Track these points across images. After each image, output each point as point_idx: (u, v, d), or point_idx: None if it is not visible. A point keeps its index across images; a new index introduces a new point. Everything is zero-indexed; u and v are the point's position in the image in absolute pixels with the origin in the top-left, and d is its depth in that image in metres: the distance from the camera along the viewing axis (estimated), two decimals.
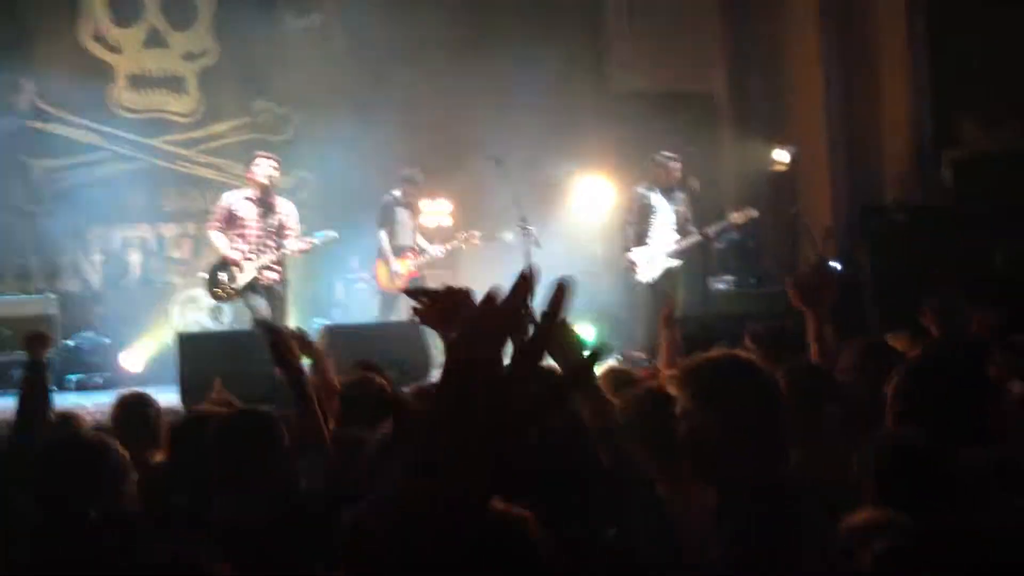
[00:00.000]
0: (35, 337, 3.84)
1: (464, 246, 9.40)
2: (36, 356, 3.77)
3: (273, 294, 7.74)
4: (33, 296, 9.35)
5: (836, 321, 3.82)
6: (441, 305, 2.25)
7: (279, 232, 7.74)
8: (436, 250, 9.16)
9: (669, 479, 2.66)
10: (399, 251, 9.05)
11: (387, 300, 9.16)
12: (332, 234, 8.03)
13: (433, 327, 2.35)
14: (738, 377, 2.32)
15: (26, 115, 9.94)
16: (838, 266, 9.13)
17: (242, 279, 7.63)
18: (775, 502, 2.18)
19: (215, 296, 7.90)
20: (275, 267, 7.74)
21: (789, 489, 2.26)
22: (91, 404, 7.22)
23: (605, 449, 2.49)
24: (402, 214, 9.15)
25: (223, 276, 7.72)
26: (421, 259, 9.10)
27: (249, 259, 7.66)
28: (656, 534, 2.43)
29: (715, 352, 2.44)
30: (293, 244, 7.72)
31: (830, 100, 10.83)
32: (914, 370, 2.82)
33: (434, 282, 10.33)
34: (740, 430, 2.26)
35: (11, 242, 9.86)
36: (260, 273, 7.67)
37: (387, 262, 9.03)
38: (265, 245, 7.70)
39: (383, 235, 8.99)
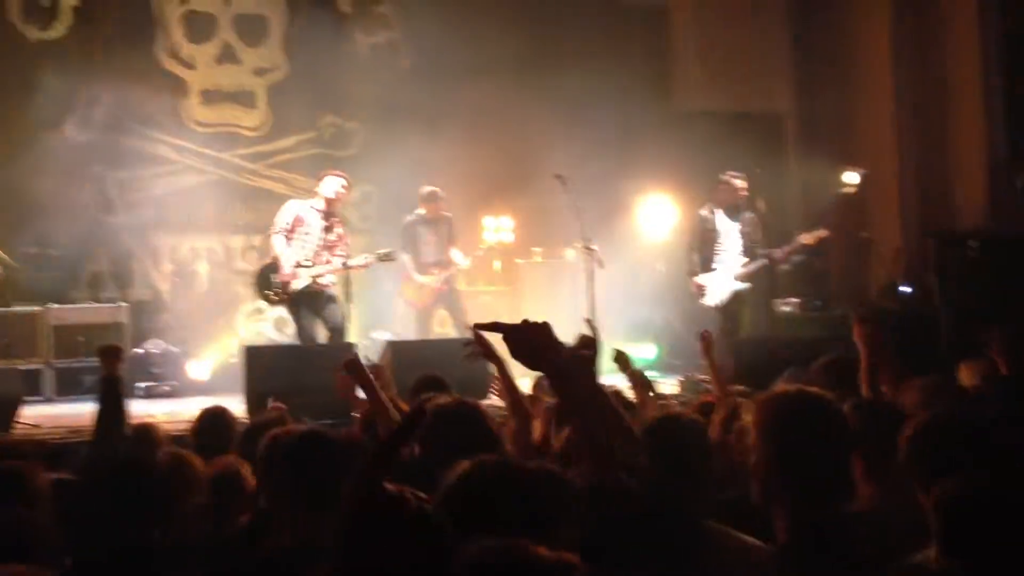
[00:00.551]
0: (109, 351, 3.90)
1: (487, 255, 9.51)
2: (111, 370, 3.83)
3: (327, 297, 7.84)
4: (105, 304, 9.59)
5: (907, 350, 3.76)
6: (520, 338, 2.21)
7: (333, 248, 7.86)
8: (463, 262, 9.22)
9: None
10: (424, 268, 9.17)
11: (421, 316, 9.27)
12: (390, 253, 8.09)
13: (515, 358, 2.28)
14: (806, 413, 2.31)
15: (103, 127, 10.22)
16: (908, 289, 8.97)
17: (297, 284, 7.72)
18: (835, 539, 2.16)
19: (265, 299, 7.98)
20: (327, 279, 7.86)
21: (850, 527, 2.23)
22: (159, 412, 7.38)
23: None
24: (424, 232, 9.24)
25: (275, 279, 7.81)
26: (447, 272, 9.17)
27: (304, 266, 7.75)
28: (721, 566, 2.41)
29: (787, 387, 2.43)
30: (343, 261, 7.80)
31: (900, 120, 10.66)
32: (920, 434, 2.74)
33: (493, 299, 10.41)
34: (802, 466, 2.25)
35: (85, 251, 10.13)
36: (314, 280, 7.78)
37: (411, 279, 9.16)
38: (320, 257, 7.81)
39: (404, 257, 9.12)
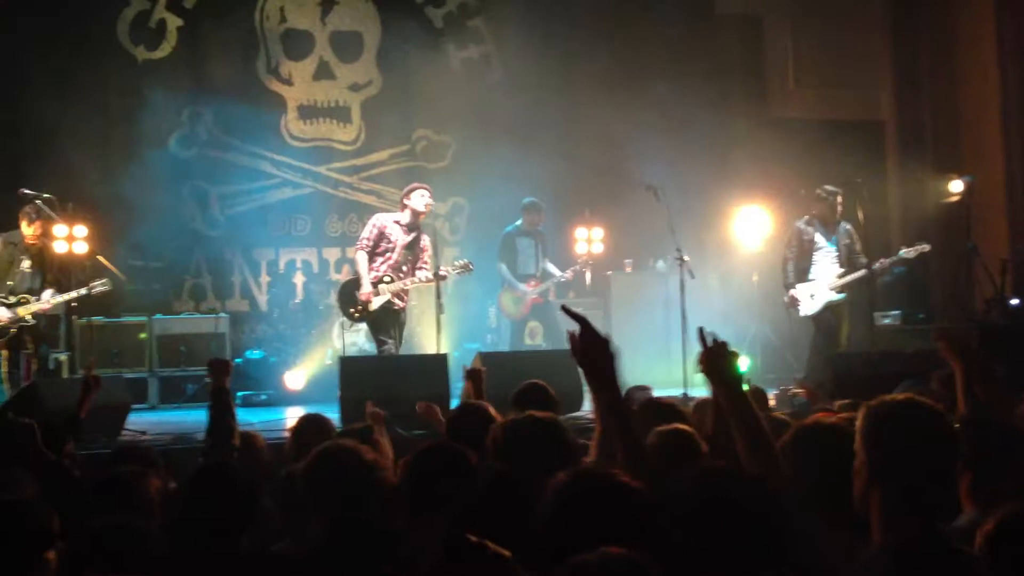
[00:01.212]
0: (219, 364, 3.98)
1: (584, 270, 9.49)
2: (220, 383, 3.90)
3: (399, 320, 7.89)
4: (206, 315, 9.87)
5: (1019, 364, 3.62)
6: (589, 339, 2.50)
7: (415, 262, 7.85)
8: (560, 274, 9.20)
9: (831, 523, 2.56)
10: (521, 280, 9.19)
11: (516, 328, 9.30)
12: (468, 264, 8.07)
13: (574, 354, 2.48)
14: (913, 421, 2.24)
15: (205, 143, 10.55)
16: (1016, 302, 8.62)
17: (377, 301, 7.77)
18: (926, 558, 2.08)
19: (348, 316, 8.05)
20: (404, 294, 7.87)
21: (945, 545, 2.14)
22: (257, 420, 7.54)
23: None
24: (523, 243, 9.26)
25: (358, 295, 7.84)
26: (545, 285, 9.16)
27: (386, 282, 7.77)
28: None
29: (896, 395, 2.36)
30: (424, 275, 7.80)
31: (1008, 125, 10.28)
32: None
33: (584, 311, 10.32)
34: (904, 475, 2.19)
35: (187, 263, 10.46)
36: (394, 297, 7.79)
37: (511, 290, 9.18)
38: (403, 271, 7.82)
39: (502, 267, 9.15)
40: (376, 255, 7.82)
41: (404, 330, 7.95)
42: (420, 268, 7.85)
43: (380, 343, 7.84)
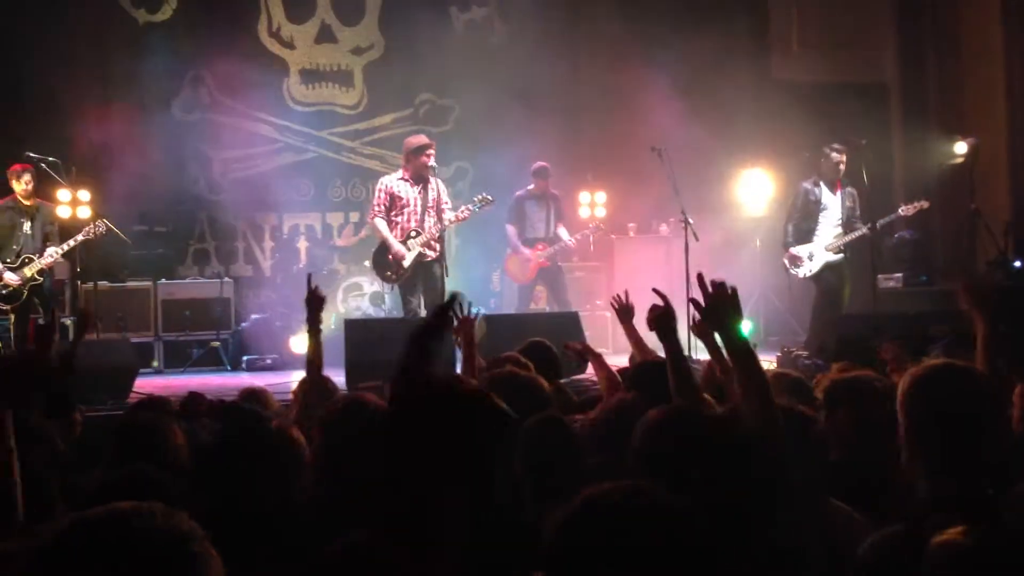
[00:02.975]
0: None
1: (593, 236, 9.51)
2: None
3: (432, 273, 7.90)
4: (211, 279, 9.90)
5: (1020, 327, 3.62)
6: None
7: (436, 207, 7.89)
8: (568, 239, 9.23)
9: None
10: (530, 244, 9.22)
11: (523, 292, 9.33)
12: (486, 197, 8.07)
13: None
14: (955, 385, 2.27)
15: (207, 108, 10.52)
16: (1019, 264, 8.63)
17: (409, 257, 7.82)
18: (974, 516, 2.09)
19: (385, 279, 8.10)
20: (435, 243, 7.90)
21: (993, 505, 2.15)
22: (263, 384, 7.58)
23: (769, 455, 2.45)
24: (531, 207, 9.27)
25: (389, 258, 7.91)
26: (551, 249, 9.18)
27: (412, 237, 7.83)
28: (815, 545, 2.36)
29: (935, 360, 2.39)
30: (450, 215, 7.87)
31: (1012, 88, 10.22)
32: None
33: (587, 275, 10.39)
34: (946, 440, 2.21)
35: (192, 228, 10.48)
36: (424, 248, 7.84)
37: (517, 254, 9.20)
38: (425, 223, 7.86)
39: (511, 229, 9.18)
40: (394, 216, 7.87)
41: (443, 282, 7.93)
42: (443, 211, 7.90)
43: (406, 302, 7.92)
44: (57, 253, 7.82)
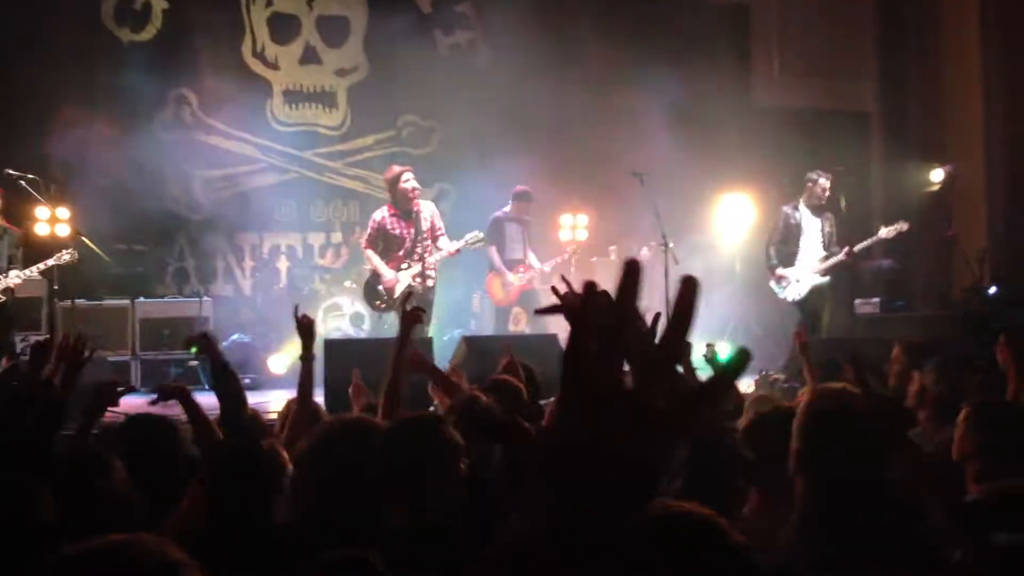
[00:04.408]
0: (199, 339, 3.77)
1: (571, 260, 9.54)
2: (215, 357, 3.63)
3: (424, 302, 7.91)
4: (190, 298, 9.85)
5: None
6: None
7: (431, 234, 7.94)
8: (542, 266, 9.26)
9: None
10: (510, 265, 9.23)
11: (500, 313, 9.34)
12: (477, 235, 8.15)
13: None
14: (837, 420, 2.37)
15: (190, 127, 10.50)
16: (994, 290, 8.71)
17: (399, 288, 7.86)
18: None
19: (376, 308, 8.16)
20: (429, 272, 7.94)
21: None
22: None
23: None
24: (511, 229, 9.29)
25: (380, 288, 7.98)
26: (532, 272, 9.21)
27: (403, 269, 7.88)
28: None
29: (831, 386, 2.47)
30: (446, 244, 7.92)
31: (989, 118, 10.36)
32: None
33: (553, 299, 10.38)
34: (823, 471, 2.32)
35: (171, 247, 10.43)
36: (415, 280, 7.87)
37: (500, 275, 9.21)
38: (417, 252, 7.89)
39: (492, 250, 9.18)
40: (387, 247, 7.92)
41: (430, 311, 7.93)
42: (438, 238, 7.93)
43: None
44: (21, 278, 7.71)
